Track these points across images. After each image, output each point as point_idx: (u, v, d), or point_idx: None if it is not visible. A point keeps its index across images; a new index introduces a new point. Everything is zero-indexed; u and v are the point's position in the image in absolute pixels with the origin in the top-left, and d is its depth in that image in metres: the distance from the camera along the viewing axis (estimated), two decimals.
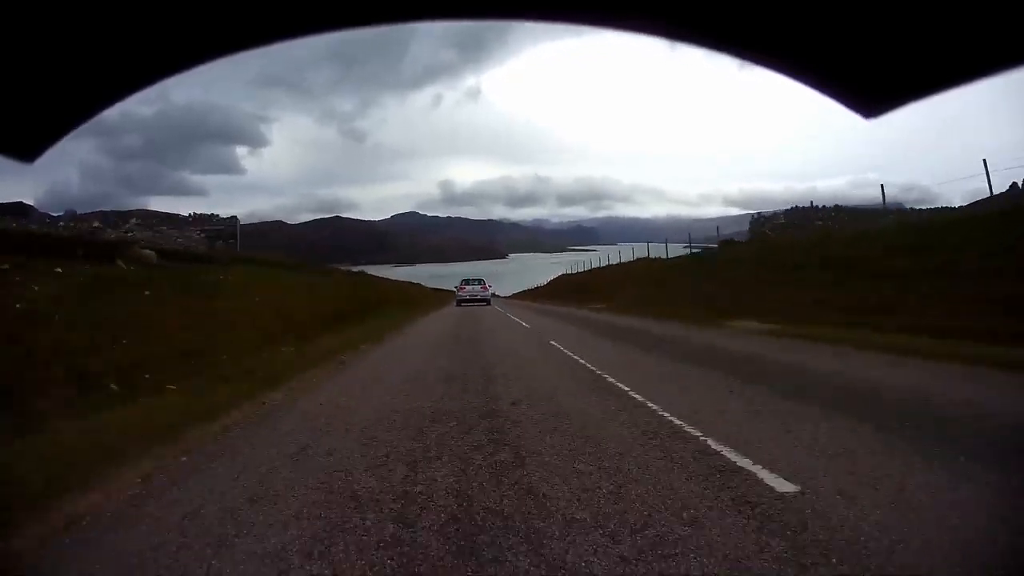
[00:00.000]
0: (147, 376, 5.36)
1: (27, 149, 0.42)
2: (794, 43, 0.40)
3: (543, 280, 58.66)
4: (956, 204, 14.36)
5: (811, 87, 0.42)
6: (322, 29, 0.40)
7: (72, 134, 0.46)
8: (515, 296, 56.21)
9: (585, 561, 1.93)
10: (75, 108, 0.41)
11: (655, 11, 0.39)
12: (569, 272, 48.52)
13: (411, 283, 50.21)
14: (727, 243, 28.04)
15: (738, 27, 0.40)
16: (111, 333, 6.11)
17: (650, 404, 4.36)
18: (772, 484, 2.56)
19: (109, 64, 0.39)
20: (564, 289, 38.54)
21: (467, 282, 26.90)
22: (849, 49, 0.40)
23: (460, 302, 25.32)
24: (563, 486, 2.65)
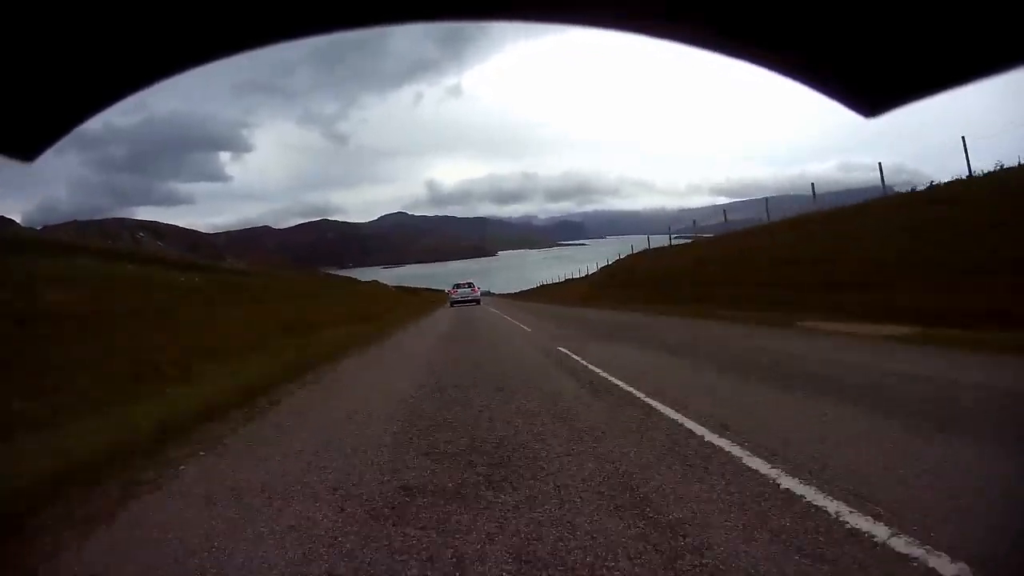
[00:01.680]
0: None
1: (27, 149, 0.44)
2: (793, 43, 0.40)
3: (562, 274, 46.35)
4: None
5: (811, 87, 0.42)
6: (307, 33, 0.40)
7: (69, 136, 0.48)
8: (522, 296, 42.71)
9: None
10: (75, 108, 0.42)
11: (651, 12, 0.39)
12: (635, 252, 30.18)
13: (352, 279, 33.57)
14: None
15: (735, 27, 0.40)
16: None
17: None
18: None
19: (108, 64, 0.40)
20: (639, 283, 20.97)
21: (458, 285, 29.80)
22: (849, 48, 0.40)
23: (453, 303, 27.75)
24: None
